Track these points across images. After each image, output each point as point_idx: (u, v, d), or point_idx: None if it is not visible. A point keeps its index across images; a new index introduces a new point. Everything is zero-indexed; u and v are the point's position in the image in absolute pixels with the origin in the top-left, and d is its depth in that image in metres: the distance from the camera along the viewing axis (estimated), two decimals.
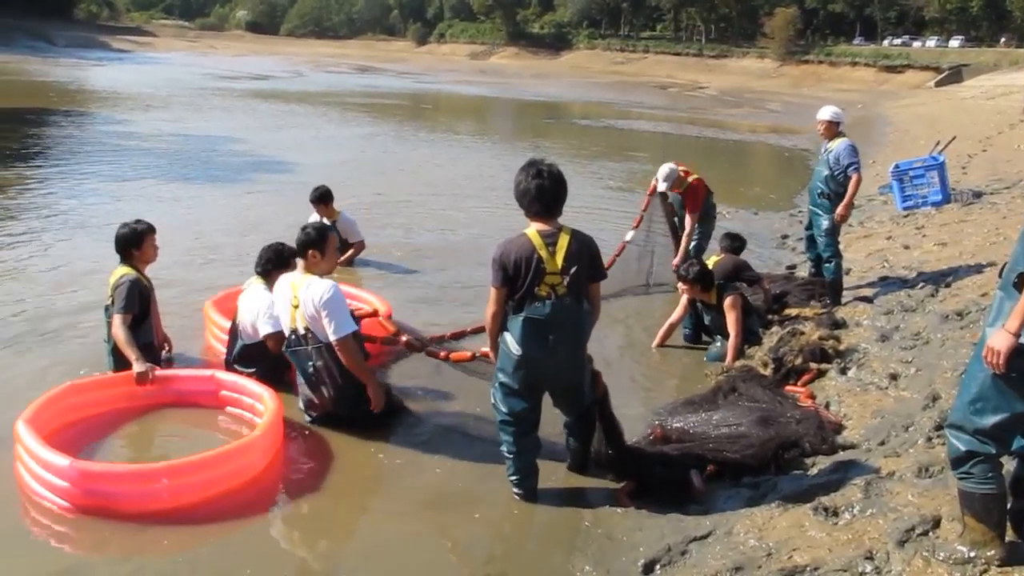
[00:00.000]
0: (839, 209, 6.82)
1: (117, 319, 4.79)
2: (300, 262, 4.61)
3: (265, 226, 9.16)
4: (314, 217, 7.46)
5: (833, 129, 6.95)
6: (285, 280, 4.65)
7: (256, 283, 5.21)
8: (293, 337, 4.53)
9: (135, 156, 14.64)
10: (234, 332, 5.21)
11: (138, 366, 4.64)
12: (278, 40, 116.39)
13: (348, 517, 3.99)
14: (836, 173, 6.82)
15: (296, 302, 4.48)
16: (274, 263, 5.18)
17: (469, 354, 4.73)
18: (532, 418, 3.93)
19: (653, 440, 4.36)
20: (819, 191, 6.98)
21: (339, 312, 4.39)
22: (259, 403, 4.52)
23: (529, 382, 3.83)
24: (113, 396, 4.70)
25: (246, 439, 4.11)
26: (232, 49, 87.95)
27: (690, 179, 7.74)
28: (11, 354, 5.49)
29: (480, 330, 6.38)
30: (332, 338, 4.37)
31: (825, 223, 6.92)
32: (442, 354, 4.92)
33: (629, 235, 7.89)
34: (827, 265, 6.96)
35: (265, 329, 4.91)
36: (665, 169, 7.67)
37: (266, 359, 4.98)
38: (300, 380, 4.62)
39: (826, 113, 7.01)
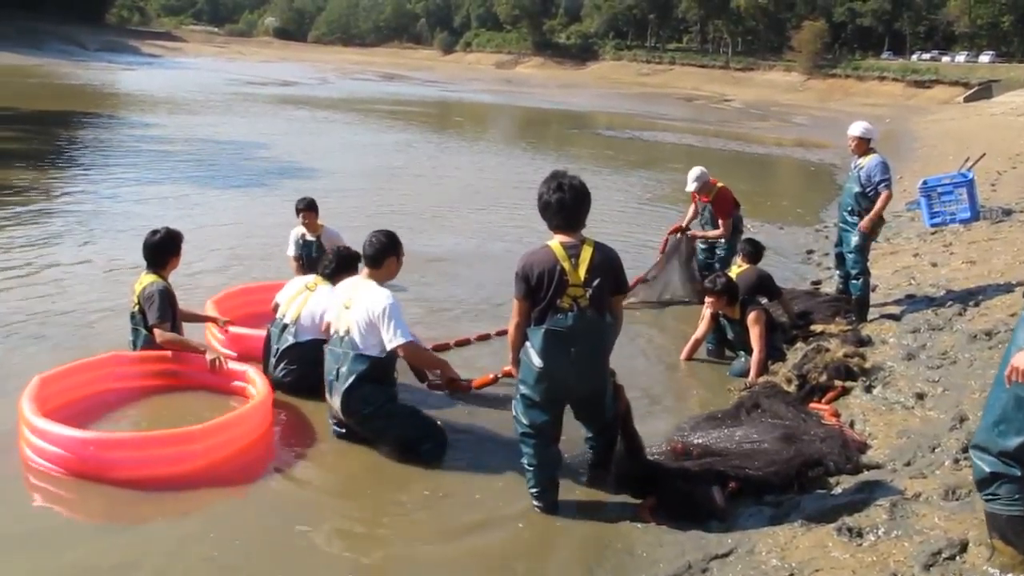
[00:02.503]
0: (862, 223, 6.71)
1: (158, 331, 4.94)
2: (367, 269, 4.58)
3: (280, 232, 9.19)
4: (299, 229, 7.40)
5: (864, 145, 6.83)
6: (347, 283, 4.66)
7: (323, 285, 5.26)
8: (335, 336, 4.51)
9: (169, 160, 14.82)
10: (271, 334, 5.21)
11: (210, 354, 4.96)
12: (305, 47, 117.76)
13: (351, 530, 3.96)
14: (867, 190, 6.71)
15: (349, 304, 4.46)
16: (341, 266, 5.31)
17: (492, 376, 4.68)
18: (553, 431, 3.91)
19: (674, 455, 4.32)
20: (849, 208, 6.89)
21: (399, 319, 4.36)
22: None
23: (550, 395, 3.81)
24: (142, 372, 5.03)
25: (186, 429, 4.22)
26: (260, 55, 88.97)
27: (718, 185, 7.73)
28: (15, 354, 5.53)
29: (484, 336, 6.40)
30: (394, 343, 4.32)
31: (855, 240, 6.81)
32: (464, 384, 4.84)
33: (636, 297, 7.69)
34: (854, 282, 6.87)
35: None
36: (696, 171, 7.64)
37: (306, 362, 4.95)
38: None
39: (857, 129, 6.88)
